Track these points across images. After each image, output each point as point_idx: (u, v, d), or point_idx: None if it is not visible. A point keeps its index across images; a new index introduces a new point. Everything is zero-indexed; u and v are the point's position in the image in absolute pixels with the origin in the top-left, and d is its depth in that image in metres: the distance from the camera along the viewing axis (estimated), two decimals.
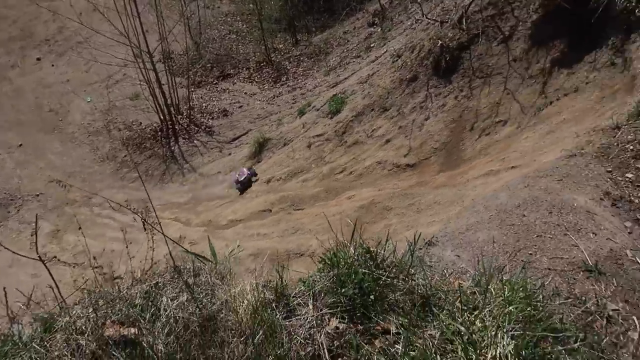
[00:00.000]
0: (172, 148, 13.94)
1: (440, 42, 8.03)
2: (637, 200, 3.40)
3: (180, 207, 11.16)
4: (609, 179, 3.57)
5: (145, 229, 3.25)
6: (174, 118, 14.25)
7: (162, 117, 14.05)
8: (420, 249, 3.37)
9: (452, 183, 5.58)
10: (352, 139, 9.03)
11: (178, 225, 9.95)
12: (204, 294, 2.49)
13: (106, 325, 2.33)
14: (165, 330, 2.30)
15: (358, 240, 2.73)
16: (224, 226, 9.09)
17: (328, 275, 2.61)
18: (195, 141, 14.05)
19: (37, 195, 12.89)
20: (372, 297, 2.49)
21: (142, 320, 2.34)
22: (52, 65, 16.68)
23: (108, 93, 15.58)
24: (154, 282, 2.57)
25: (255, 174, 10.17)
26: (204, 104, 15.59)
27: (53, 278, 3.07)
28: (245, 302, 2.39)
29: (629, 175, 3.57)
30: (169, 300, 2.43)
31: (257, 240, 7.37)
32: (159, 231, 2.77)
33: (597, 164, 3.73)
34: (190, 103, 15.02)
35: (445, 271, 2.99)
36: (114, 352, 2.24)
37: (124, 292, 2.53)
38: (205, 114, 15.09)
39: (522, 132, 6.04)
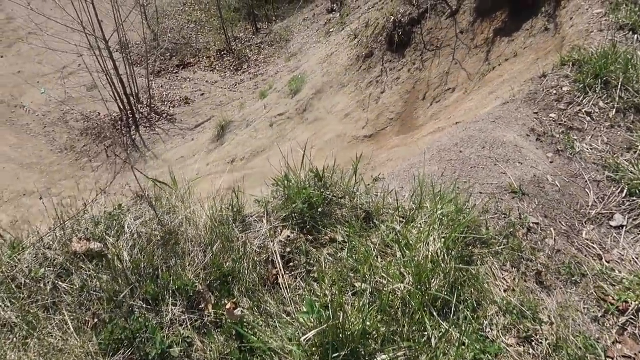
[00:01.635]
0: (134, 137, 13.93)
1: (392, 18, 8.44)
2: (558, 136, 3.85)
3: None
4: (535, 119, 4.01)
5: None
6: (134, 107, 14.23)
7: (121, 107, 14.01)
8: (368, 185, 3.72)
9: (404, 143, 5.98)
10: (313, 116, 9.35)
11: None
12: (166, 212, 2.75)
13: (73, 241, 2.56)
14: (130, 244, 2.55)
15: (308, 165, 3.05)
16: None
17: (281, 196, 2.92)
18: (157, 129, 14.07)
19: None
20: (320, 210, 2.81)
21: (107, 237, 2.58)
22: (1, 57, 16.32)
23: (64, 83, 15.39)
24: (118, 204, 2.81)
25: None
26: (164, 93, 15.61)
27: None
28: (204, 217, 2.67)
29: (553, 115, 4.02)
30: (133, 220, 2.68)
31: None
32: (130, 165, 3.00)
33: (526, 107, 4.17)
34: (151, 92, 15.01)
35: (388, 196, 3.34)
36: (81, 264, 2.48)
37: (89, 213, 2.76)
38: (166, 103, 15.12)
39: (469, 96, 6.50)
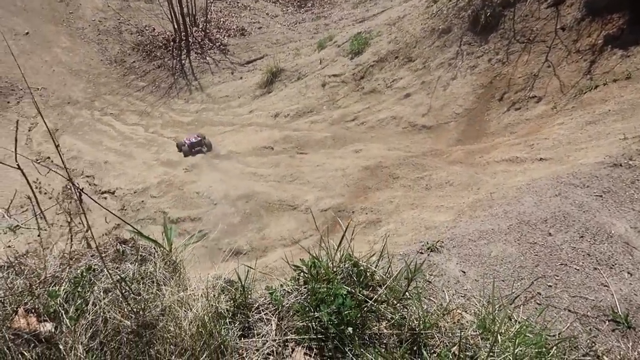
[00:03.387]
0: (183, 62, 13.10)
1: None
2: None
3: (183, 127, 10.59)
4: None
5: None
6: (188, 29, 13.27)
7: (176, 27, 13.08)
8: (421, 252, 2.86)
9: (469, 162, 4.97)
10: (370, 86, 8.26)
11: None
12: (146, 289, 1.99)
13: (19, 312, 1.86)
14: (90, 332, 1.84)
15: (347, 248, 2.21)
16: (223, 156, 8.57)
17: (301, 289, 2.11)
18: (207, 57, 13.18)
19: (39, 89, 12.29)
20: (350, 329, 1.99)
21: (63, 315, 1.87)
22: None
23: None
24: (87, 265, 2.06)
25: (206, 147, 8.73)
26: (221, 19, 14.51)
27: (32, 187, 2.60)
28: (193, 312, 1.91)
29: None
30: (101, 293, 1.95)
31: (253, 181, 6.88)
32: (98, 204, 2.23)
33: None
34: (208, 15, 13.95)
35: (446, 294, 2.49)
36: (22, 350, 1.79)
37: (49, 271, 2.03)
38: (222, 30, 14.08)
39: (558, 115, 5.33)
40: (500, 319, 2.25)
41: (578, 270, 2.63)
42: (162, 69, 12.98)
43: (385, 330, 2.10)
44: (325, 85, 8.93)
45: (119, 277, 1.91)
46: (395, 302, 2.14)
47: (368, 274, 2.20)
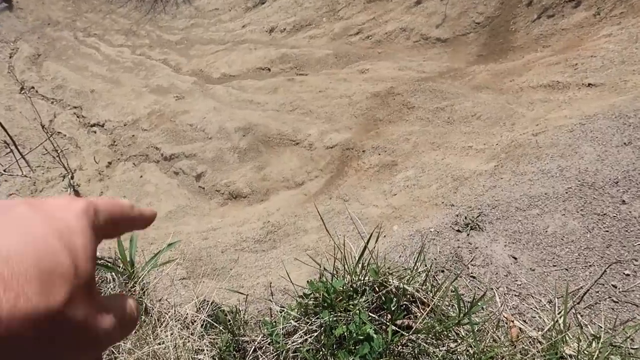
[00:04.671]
0: None
1: None
2: None
3: (172, 46, 9.51)
4: None
5: None
6: None
7: None
8: (459, 231, 2.21)
9: (498, 87, 4.13)
10: None
11: (167, 70, 8.49)
12: None
13: None
14: None
15: (369, 259, 1.56)
16: (216, 80, 7.67)
17: (311, 325, 1.49)
18: None
19: (17, 9, 11.03)
20: None
21: None
22: None
23: None
24: None
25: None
26: None
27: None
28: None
29: None
30: None
31: (250, 110, 6.09)
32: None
33: None
34: None
35: (496, 295, 1.88)
36: None
37: None
38: None
39: (602, 23, 4.37)
40: (572, 335, 1.67)
41: None
42: None
43: None
44: None
45: None
46: (439, 330, 1.54)
47: (400, 292, 1.58)
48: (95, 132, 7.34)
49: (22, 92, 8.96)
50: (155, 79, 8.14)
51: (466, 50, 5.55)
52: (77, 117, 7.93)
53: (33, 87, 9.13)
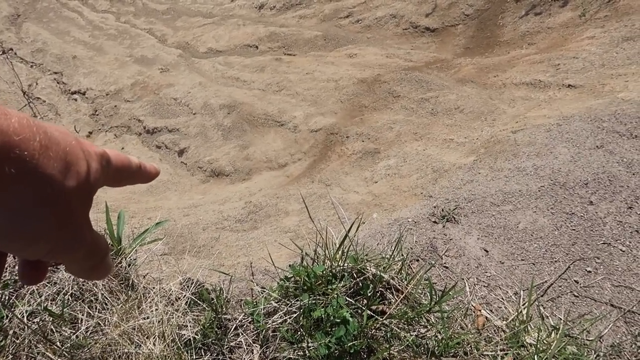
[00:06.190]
0: None
1: None
2: None
3: (157, 16, 9.28)
4: None
5: None
6: None
7: None
8: (435, 222, 2.30)
9: (482, 81, 4.20)
10: None
11: (152, 40, 8.30)
12: (84, 315, 1.42)
13: None
14: None
15: (349, 246, 1.62)
16: (202, 54, 7.55)
17: (291, 305, 1.55)
18: None
19: None
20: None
21: None
22: None
23: None
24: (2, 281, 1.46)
25: None
26: None
27: None
28: (147, 348, 1.36)
29: None
30: (25, 318, 1.38)
31: (235, 87, 6.05)
32: None
33: None
34: None
35: (466, 285, 1.98)
36: None
37: None
38: None
39: (586, 25, 4.46)
40: (534, 325, 1.78)
41: (624, 252, 2.12)
42: None
43: (396, 355, 1.61)
44: None
45: (42, 303, 1.33)
46: (411, 316, 1.63)
47: (376, 279, 1.66)
48: (76, 99, 7.19)
49: (3, 54, 8.67)
50: (140, 49, 7.96)
51: (454, 41, 5.60)
52: (58, 83, 7.73)
53: (12, 49, 8.84)
